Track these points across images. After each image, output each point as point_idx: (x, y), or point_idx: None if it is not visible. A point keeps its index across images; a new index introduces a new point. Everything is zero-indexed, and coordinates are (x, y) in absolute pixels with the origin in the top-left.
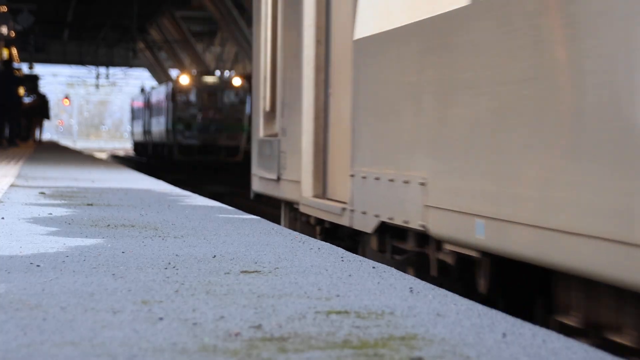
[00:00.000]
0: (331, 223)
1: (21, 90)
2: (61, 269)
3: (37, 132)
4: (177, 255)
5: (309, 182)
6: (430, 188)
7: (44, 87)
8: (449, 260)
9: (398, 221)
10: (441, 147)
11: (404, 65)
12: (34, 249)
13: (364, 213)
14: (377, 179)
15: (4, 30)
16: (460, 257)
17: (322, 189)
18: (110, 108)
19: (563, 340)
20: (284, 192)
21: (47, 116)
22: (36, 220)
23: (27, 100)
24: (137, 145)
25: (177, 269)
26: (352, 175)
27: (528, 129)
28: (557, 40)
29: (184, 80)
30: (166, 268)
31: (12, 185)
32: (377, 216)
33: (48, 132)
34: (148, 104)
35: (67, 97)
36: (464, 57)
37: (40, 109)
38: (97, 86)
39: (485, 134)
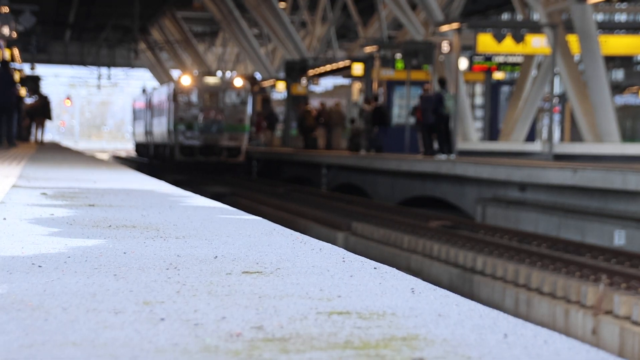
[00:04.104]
0: None
1: (22, 91)
2: (63, 269)
3: (39, 133)
4: (178, 255)
5: None
6: None
7: (46, 87)
8: None
9: None
10: None
11: None
12: (35, 249)
13: None
14: None
15: (6, 31)
16: None
17: None
18: (111, 109)
19: (565, 341)
20: None
21: (49, 117)
22: (38, 221)
23: (29, 101)
24: (139, 146)
25: (179, 270)
26: None
27: None
28: None
29: (186, 80)
30: (168, 269)
31: (14, 186)
32: None
33: (50, 132)
34: (150, 105)
35: (68, 98)
36: None
37: (43, 109)
38: (98, 87)
39: None
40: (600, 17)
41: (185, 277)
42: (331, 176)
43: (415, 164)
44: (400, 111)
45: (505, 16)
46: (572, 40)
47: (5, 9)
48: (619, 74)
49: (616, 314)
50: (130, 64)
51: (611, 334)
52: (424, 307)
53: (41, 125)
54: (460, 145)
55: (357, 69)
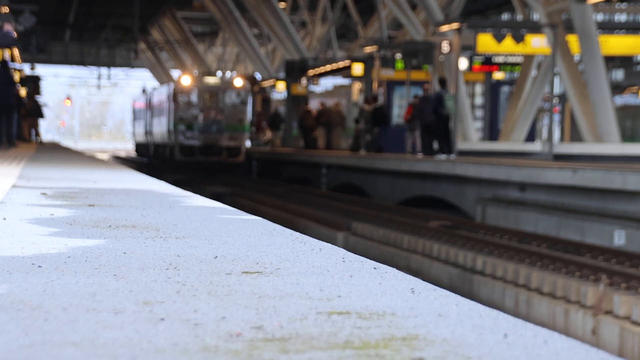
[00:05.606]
0: None
1: (22, 91)
2: (63, 269)
3: (32, 133)
4: (178, 256)
5: None
6: None
7: (46, 87)
8: None
9: None
10: None
11: None
12: (35, 249)
13: None
14: None
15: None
16: None
17: None
18: (111, 109)
19: (565, 341)
20: None
21: (41, 115)
22: (38, 221)
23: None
24: (139, 146)
25: (179, 270)
26: None
27: None
28: None
29: (186, 80)
30: (167, 269)
31: (13, 186)
32: None
33: (49, 132)
34: (149, 105)
35: (68, 98)
36: None
37: (36, 109)
38: (98, 87)
39: None
40: (600, 17)
41: (185, 277)
42: (331, 176)
43: (415, 164)
44: (400, 111)
45: (505, 16)
46: (572, 40)
47: (5, 9)
48: (619, 74)
49: (616, 314)
50: (130, 64)
51: (611, 334)
52: (424, 307)
53: (34, 125)
54: (460, 145)
55: (357, 69)
